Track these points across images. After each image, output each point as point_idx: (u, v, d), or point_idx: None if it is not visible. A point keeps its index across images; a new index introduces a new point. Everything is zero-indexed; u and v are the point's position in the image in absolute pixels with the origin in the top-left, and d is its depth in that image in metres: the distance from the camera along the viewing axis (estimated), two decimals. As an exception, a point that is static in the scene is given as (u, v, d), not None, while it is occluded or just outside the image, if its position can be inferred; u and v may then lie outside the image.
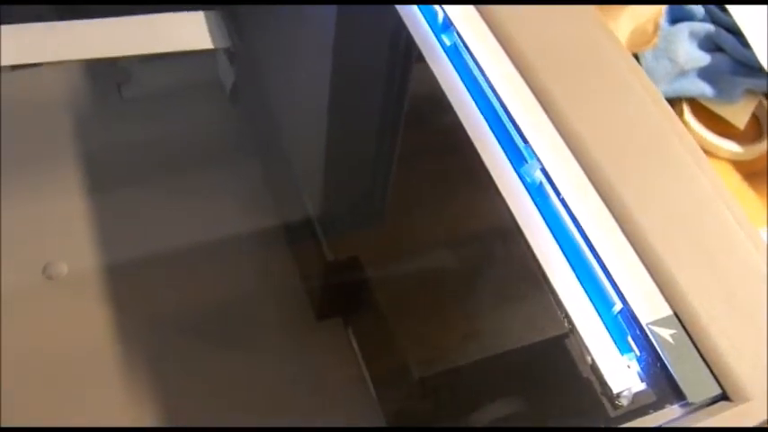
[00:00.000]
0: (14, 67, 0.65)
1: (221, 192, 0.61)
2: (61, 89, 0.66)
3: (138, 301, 0.55)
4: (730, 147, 0.68)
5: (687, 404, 0.36)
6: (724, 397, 0.35)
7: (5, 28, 0.58)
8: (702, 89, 0.68)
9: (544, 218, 0.41)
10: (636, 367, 0.37)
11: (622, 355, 0.37)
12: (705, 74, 0.69)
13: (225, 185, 0.61)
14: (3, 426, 0.47)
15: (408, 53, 0.49)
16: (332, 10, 0.57)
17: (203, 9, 0.65)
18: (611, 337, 0.38)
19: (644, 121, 0.43)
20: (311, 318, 0.54)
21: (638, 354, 0.37)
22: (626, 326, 0.38)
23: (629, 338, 0.37)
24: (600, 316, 0.38)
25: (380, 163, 0.52)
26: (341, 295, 0.52)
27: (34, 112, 0.64)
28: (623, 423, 0.36)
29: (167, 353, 0.53)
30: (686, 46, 0.69)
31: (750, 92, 0.69)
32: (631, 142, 0.42)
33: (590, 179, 0.40)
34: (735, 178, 0.68)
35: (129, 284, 0.56)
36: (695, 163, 0.42)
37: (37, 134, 0.63)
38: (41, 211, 0.58)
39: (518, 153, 0.43)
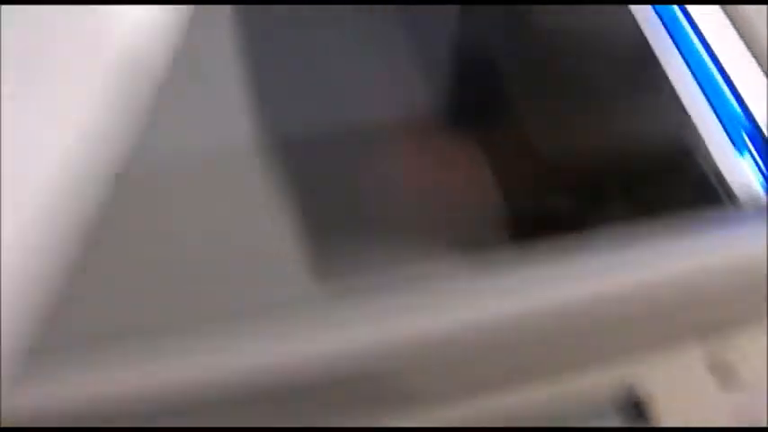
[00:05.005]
0: None
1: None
2: None
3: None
4: None
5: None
6: None
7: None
8: None
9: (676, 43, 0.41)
10: (755, 172, 0.37)
11: (742, 157, 0.38)
12: None
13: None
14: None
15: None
16: None
17: None
18: (731, 141, 0.38)
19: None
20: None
21: (760, 161, 0.37)
22: (747, 129, 0.38)
23: (749, 145, 0.38)
24: (720, 120, 0.39)
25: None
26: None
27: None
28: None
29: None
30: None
31: None
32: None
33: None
34: None
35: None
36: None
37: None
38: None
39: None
